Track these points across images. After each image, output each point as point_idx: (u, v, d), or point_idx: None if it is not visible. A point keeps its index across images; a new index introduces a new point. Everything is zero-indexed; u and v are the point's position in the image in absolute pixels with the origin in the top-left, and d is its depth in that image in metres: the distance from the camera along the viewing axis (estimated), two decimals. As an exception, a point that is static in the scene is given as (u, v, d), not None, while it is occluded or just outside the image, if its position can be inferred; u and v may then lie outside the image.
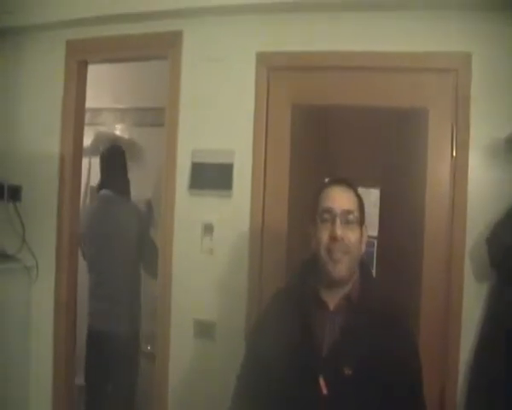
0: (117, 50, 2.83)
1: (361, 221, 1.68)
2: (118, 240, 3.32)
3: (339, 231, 1.60)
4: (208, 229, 2.57)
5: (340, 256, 1.61)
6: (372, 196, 2.35)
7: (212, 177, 2.55)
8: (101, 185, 3.49)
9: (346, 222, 1.63)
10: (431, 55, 2.33)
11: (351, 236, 1.62)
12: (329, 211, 1.63)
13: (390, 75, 2.38)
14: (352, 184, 1.74)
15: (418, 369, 1.64)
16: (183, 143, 2.63)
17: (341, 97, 2.43)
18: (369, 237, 2.31)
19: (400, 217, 2.36)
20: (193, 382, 2.60)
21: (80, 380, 3.41)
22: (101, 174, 3.52)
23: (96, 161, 3.71)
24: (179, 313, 2.62)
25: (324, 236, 1.63)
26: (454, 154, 2.31)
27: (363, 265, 1.75)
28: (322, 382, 1.55)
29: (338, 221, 1.61)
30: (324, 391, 1.54)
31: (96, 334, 3.33)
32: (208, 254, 2.57)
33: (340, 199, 1.65)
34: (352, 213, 1.64)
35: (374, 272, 2.30)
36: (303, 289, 1.71)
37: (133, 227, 3.34)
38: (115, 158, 3.51)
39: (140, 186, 3.67)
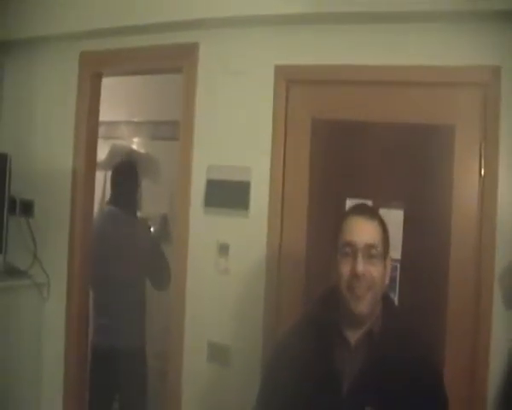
0: (131, 62, 2.79)
1: (385, 254, 1.59)
2: (121, 257, 3.26)
3: (360, 268, 1.52)
4: (224, 248, 2.50)
5: (362, 293, 1.52)
6: (395, 218, 2.24)
7: (227, 194, 2.48)
8: (109, 201, 3.46)
9: (369, 257, 1.54)
10: (458, 69, 2.23)
11: (373, 271, 1.54)
12: (351, 245, 1.55)
13: (415, 90, 2.29)
14: (375, 212, 1.66)
15: (444, 406, 1.54)
16: (198, 158, 2.57)
17: (364, 113, 2.34)
18: (392, 260, 2.23)
19: (425, 239, 2.26)
20: (206, 406, 2.53)
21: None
22: (111, 189, 3.48)
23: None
24: (192, 333, 2.56)
25: (345, 270, 1.54)
26: (482, 173, 2.20)
27: (386, 297, 1.67)
28: None
29: (360, 256, 1.53)
30: None
31: (100, 350, 3.26)
32: (223, 274, 2.50)
33: (362, 232, 1.56)
34: (376, 248, 1.55)
35: (397, 296, 2.22)
36: (323, 322, 1.63)
37: (137, 244, 3.28)
38: (125, 174, 3.47)
39: (156, 201, 3.63)
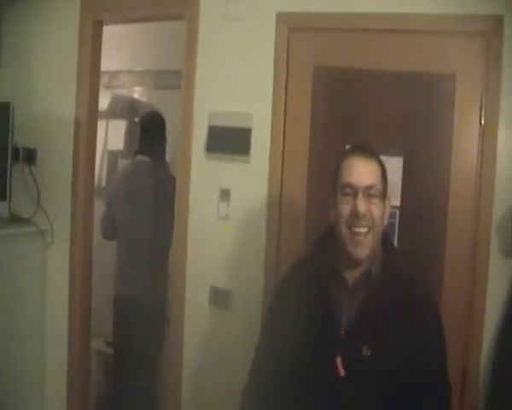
0: (132, 10, 2.77)
1: (384, 193, 1.58)
2: (153, 206, 3.31)
3: (362, 207, 1.50)
4: (225, 194, 2.51)
5: (362, 238, 1.52)
6: (395, 165, 2.24)
7: (229, 141, 2.48)
8: (139, 151, 3.48)
9: (369, 196, 1.53)
10: (459, 18, 2.19)
11: (373, 210, 1.53)
12: (351, 186, 1.53)
13: (416, 38, 2.26)
14: (374, 153, 1.63)
15: (442, 349, 1.57)
16: (200, 105, 2.56)
17: (365, 61, 2.32)
18: (392, 207, 2.24)
19: (424, 187, 2.27)
20: (208, 349, 2.58)
21: (96, 344, 3.43)
22: (140, 140, 3.51)
23: (113, 124, 3.67)
24: (195, 279, 2.59)
25: (345, 210, 1.53)
26: (482, 122, 2.20)
27: (386, 238, 1.66)
28: (339, 363, 1.49)
29: (360, 196, 1.51)
30: (341, 373, 1.48)
31: (123, 299, 3.38)
32: (225, 219, 2.52)
33: (362, 172, 1.55)
34: (375, 187, 1.54)
35: (395, 243, 2.23)
36: (320, 263, 1.64)
37: (169, 194, 3.17)
38: (155, 125, 3.51)
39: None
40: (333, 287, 1.59)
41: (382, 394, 1.46)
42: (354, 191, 1.53)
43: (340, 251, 1.60)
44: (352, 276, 1.58)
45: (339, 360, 1.49)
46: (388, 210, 1.63)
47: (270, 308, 1.81)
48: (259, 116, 2.45)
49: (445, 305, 2.17)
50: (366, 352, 1.47)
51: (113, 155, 4.11)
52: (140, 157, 3.45)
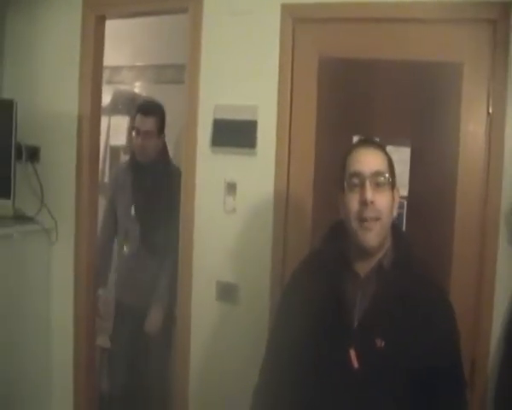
0: (135, 4, 2.75)
1: (392, 184, 1.58)
2: (150, 203, 3.18)
3: (369, 195, 1.49)
4: (231, 188, 2.50)
5: (371, 224, 1.51)
6: (402, 155, 2.24)
7: (235, 134, 2.47)
8: None
9: (377, 185, 1.52)
10: (467, 5, 2.17)
11: (382, 199, 1.52)
12: (358, 174, 1.53)
13: (422, 27, 2.24)
14: (380, 144, 1.65)
15: (456, 339, 1.56)
16: (205, 98, 2.55)
17: (371, 50, 2.31)
18: (400, 197, 2.23)
19: (432, 177, 2.26)
20: (215, 345, 2.57)
21: (101, 341, 3.41)
22: None
23: (115, 120, 3.65)
24: (201, 274, 2.58)
25: (354, 202, 1.53)
26: (490, 110, 2.18)
27: (396, 229, 1.66)
28: (352, 355, 1.48)
29: (368, 184, 1.51)
30: (355, 364, 1.48)
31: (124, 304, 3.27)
32: (231, 213, 2.51)
33: (369, 161, 1.55)
34: (383, 175, 1.54)
35: (403, 234, 2.23)
36: (331, 256, 1.63)
37: (167, 188, 3.12)
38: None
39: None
40: (345, 280, 1.58)
41: (396, 385, 1.46)
42: (361, 180, 1.52)
43: (350, 244, 1.59)
44: (363, 268, 1.58)
45: (352, 353, 1.48)
46: (397, 201, 1.63)
47: (281, 303, 1.80)
48: (265, 108, 2.43)
49: (454, 295, 2.14)
50: (380, 344, 1.46)
51: (115, 151, 4.08)
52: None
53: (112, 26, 2.99)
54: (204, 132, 2.55)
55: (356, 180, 1.53)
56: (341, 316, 1.54)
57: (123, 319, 3.29)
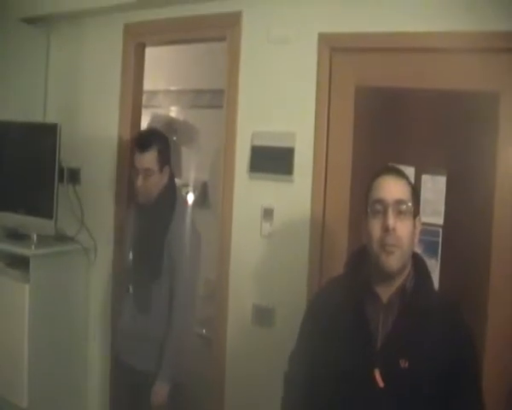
0: (175, 32, 2.83)
1: (414, 212, 1.60)
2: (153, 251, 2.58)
3: (391, 222, 1.52)
4: (268, 213, 2.54)
5: (391, 248, 1.54)
6: (438, 184, 2.26)
7: (272, 160, 2.51)
8: None
9: (399, 212, 1.55)
10: (502, 34, 2.18)
11: (403, 227, 1.55)
12: (381, 201, 1.56)
13: (459, 56, 2.25)
14: (404, 173, 1.66)
15: (474, 359, 1.59)
16: (243, 125, 2.61)
17: (407, 80, 2.33)
18: (435, 225, 2.26)
19: (468, 205, 2.26)
20: (250, 368, 2.59)
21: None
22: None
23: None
24: (237, 297, 2.62)
25: (376, 228, 1.56)
26: (527, 140, 2.18)
27: (417, 258, 1.68)
28: (377, 375, 1.51)
29: (390, 212, 1.54)
30: (381, 384, 1.50)
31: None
32: (268, 238, 2.55)
33: (391, 189, 1.58)
34: (405, 204, 1.56)
35: (439, 261, 2.24)
36: (354, 280, 1.67)
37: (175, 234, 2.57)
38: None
39: (195, 169, 3.66)
40: (367, 303, 1.61)
41: (419, 403, 1.49)
42: (384, 207, 1.55)
43: (372, 267, 1.62)
44: (385, 293, 1.60)
45: (377, 373, 1.51)
46: (419, 229, 1.65)
47: (304, 322, 1.84)
48: (302, 136, 2.47)
49: (492, 323, 2.17)
50: (404, 364, 1.49)
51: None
52: None
53: (149, 52, 3.07)
54: (242, 158, 2.60)
55: (379, 207, 1.57)
56: (365, 338, 1.57)
57: (122, 377, 2.74)
